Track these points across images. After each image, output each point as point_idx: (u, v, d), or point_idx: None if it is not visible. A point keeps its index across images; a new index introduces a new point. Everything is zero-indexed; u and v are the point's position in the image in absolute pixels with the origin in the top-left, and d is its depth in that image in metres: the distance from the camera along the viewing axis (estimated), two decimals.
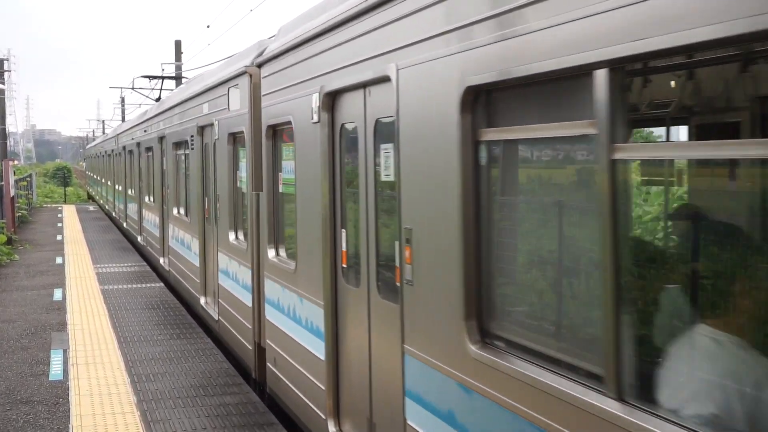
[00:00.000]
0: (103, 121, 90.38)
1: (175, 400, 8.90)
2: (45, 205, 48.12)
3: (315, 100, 6.82)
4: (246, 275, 9.83)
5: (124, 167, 27.36)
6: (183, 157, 14.99)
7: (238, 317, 10.33)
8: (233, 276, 10.55)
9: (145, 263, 20.14)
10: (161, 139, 17.74)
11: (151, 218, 20.06)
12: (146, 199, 20.88)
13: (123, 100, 68.23)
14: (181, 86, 18.48)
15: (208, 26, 35.69)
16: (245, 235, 10.09)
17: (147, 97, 36.83)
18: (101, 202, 43.01)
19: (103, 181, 42.02)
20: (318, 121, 6.77)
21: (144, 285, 16.71)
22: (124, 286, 16.53)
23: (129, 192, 25.91)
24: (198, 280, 13.19)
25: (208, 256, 12.59)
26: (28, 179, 44.06)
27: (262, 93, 8.76)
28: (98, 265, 19.71)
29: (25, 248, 23.86)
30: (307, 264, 7.33)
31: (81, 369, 10.14)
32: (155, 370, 10.10)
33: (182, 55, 37.86)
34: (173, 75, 33.43)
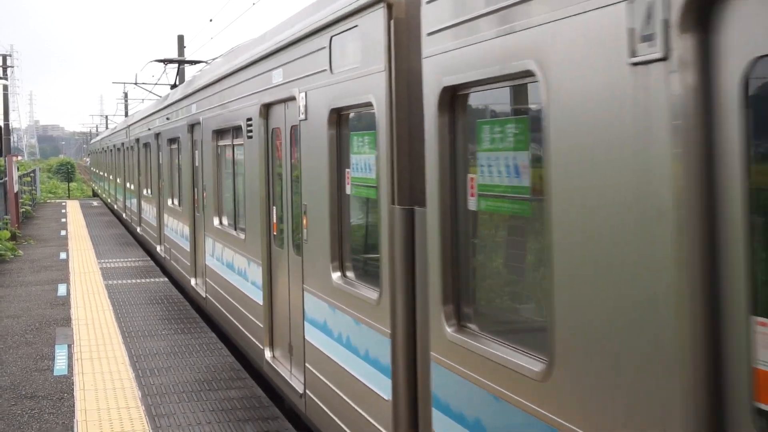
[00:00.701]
0: (107, 117, 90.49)
1: (180, 395, 8.90)
2: (49, 201, 48.19)
3: (643, 14, 2.95)
4: (377, 346, 5.81)
5: (138, 163, 23.43)
6: (229, 150, 11.50)
7: (362, 414, 6.19)
8: (345, 340, 6.51)
9: (148, 258, 20.13)
10: (192, 126, 14.34)
11: (176, 227, 16.11)
12: (169, 202, 17.16)
13: (126, 95, 68.36)
14: (216, 60, 14.70)
15: (210, 20, 35.65)
16: (366, 276, 6.29)
17: (150, 92, 36.81)
18: (109, 200, 39.33)
19: (110, 178, 37.68)
20: (662, 57, 2.87)
21: (148, 280, 16.71)
22: (128, 281, 16.54)
23: (144, 192, 21.99)
24: (261, 325, 9.30)
25: (278, 294, 8.81)
26: (31, 175, 44.12)
27: (427, 31, 4.89)
28: (102, 260, 19.72)
29: (29, 244, 23.88)
30: (597, 373, 3.33)
31: (85, 364, 10.14)
32: (160, 365, 10.11)
33: (185, 49, 37.81)
34: (192, 59, 27.30)
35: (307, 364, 7.53)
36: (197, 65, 26.88)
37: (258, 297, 9.42)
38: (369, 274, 6.29)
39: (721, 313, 2.79)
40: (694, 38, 2.85)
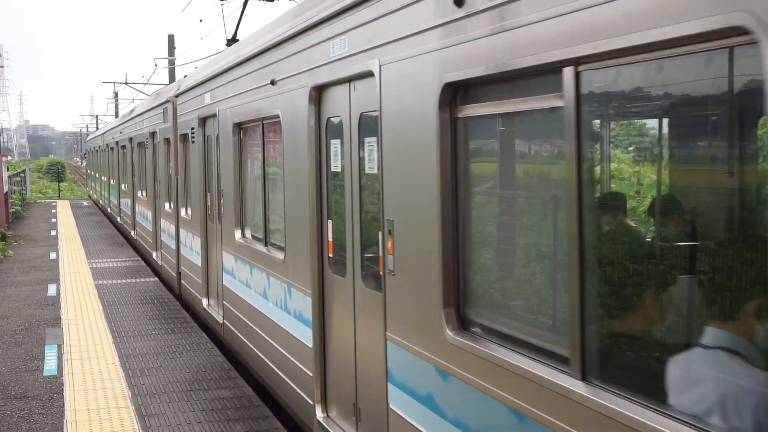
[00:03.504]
0: (97, 116, 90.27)
1: (170, 395, 8.90)
2: (39, 201, 48.04)
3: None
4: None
5: (206, 178, 12.02)
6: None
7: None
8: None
9: (138, 258, 20.10)
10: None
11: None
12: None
13: (116, 95, 68.16)
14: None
15: (200, 20, 35.59)
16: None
17: (140, 92, 36.69)
18: (118, 220, 27.92)
19: (122, 188, 26.61)
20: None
21: (138, 280, 16.70)
22: (119, 281, 16.51)
23: (232, 238, 10.28)
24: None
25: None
26: (21, 175, 43.97)
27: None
28: (92, 260, 19.69)
29: (18, 244, 23.81)
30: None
31: (75, 364, 10.13)
32: (149, 365, 10.10)
33: (175, 50, 37.78)
34: None
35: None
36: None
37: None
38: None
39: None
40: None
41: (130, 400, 8.70)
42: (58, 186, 61.99)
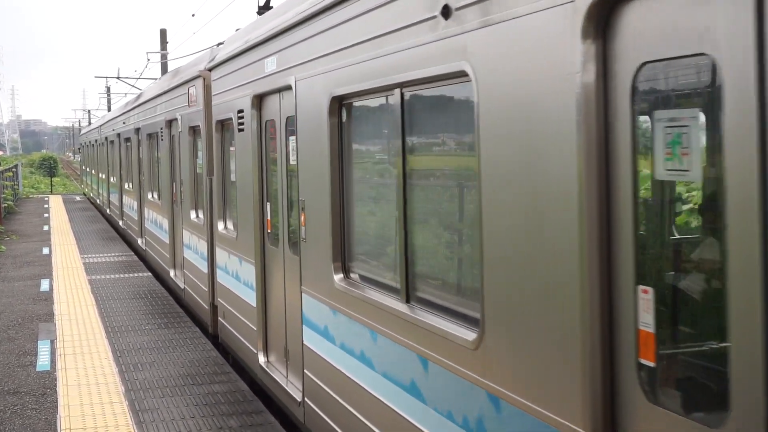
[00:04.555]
0: (89, 111, 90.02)
1: (164, 389, 8.90)
2: (31, 196, 47.91)
3: None
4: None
5: (262, 181, 8.76)
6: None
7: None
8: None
9: (132, 253, 20.06)
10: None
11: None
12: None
13: (108, 89, 67.98)
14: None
15: (193, 15, 35.49)
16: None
17: (133, 86, 36.58)
18: (120, 224, 24.47)
19: (125, 188, 23.55)
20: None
21: (131, 275, 16.67)
22: (112, 276, 16.49)
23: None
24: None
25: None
26: (13, 170, 43.87)
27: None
28: (85, 255, 19.65)
29: (11, 239, 23.75)
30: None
31: (69, 359, 10.12)
32: (143, 360, 10.10)
33: (167, 44, 37.69)
34: None
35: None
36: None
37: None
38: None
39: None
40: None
41: (124, 395, 8.69)
42: (51, 181, 61.85)
